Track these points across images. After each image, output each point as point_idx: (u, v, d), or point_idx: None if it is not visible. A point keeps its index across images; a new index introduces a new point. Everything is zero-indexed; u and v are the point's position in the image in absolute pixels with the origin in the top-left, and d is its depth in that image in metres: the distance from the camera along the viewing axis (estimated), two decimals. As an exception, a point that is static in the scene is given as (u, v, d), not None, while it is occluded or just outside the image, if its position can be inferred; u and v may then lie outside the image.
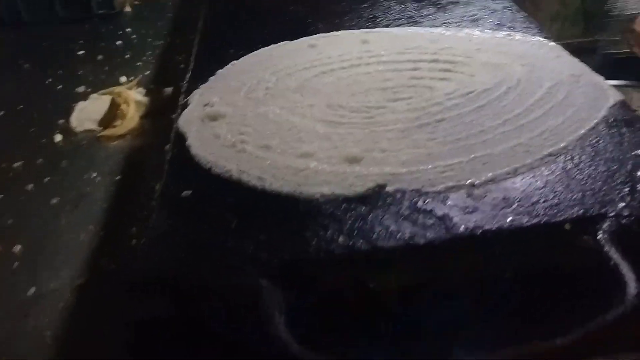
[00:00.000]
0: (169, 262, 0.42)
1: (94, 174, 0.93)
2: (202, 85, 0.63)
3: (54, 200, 0.86)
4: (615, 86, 0.57)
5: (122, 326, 0.41)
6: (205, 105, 0.59)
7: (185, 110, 0.59)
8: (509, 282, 0.41)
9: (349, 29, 0.74)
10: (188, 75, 0.66)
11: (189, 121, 0.57)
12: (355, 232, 0.43)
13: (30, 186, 0.88)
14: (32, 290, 0.69)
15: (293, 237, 0.43)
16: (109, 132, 1.05)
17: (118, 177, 0.93)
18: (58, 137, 1.02)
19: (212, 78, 0.65)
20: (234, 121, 0.57)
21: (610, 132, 0.50)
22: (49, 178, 0.91)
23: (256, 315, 0.37)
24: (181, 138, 0.55)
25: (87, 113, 1.12)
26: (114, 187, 0.91)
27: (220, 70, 0.66)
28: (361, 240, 0.42)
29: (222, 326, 0.39)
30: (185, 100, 0.61)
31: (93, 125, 1.08)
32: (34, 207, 0.84)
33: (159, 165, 0.93)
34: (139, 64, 1.30)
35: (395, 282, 0.43)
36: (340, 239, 0.42)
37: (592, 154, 0.48)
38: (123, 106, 1.09)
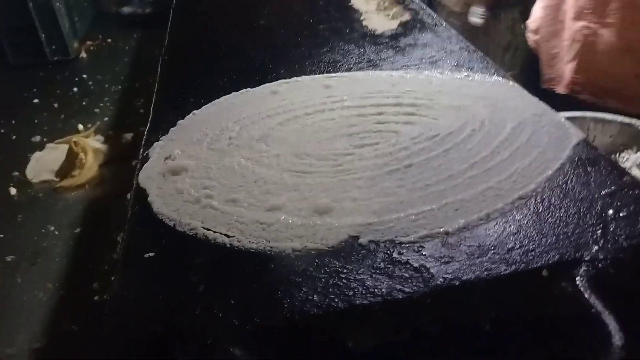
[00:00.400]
0: (136, 337, 0.39)
1: (52, 228, 0.89)
2: (162, 137, 0.61)
3: (9, 258, 0.81)
4: (571, 118, 0.57)
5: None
6: (167, 158, 0.57)
7: (145, 165, 0.57)
8: (489, 333, 0.40)
9: (310, 74, 0.73)
10: (147, 127, 0.64)
11: (149, 176, 0.55)
12: (330, 289, 0.41)
13: (-17, 243, 0.83)
14: (-15, 357, 0.65)
15: (265, 299, 0.41)
16: (67, 182, 1.01)
17: (77, 230, 0.89)
18: (13, 190, 0.98)
19: (172, 129, 0.63)
20: (197, 175, 0.55)
21: (576, 172, 0.51)
22: (2, 235, 0.86)
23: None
24: (142, 194, 0.52)
25: (43, 163, 1.08)
26: (74, 240, 0.87)
27: (181, 121, 0.64)
28: (337, 299, 0.40)
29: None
30: (145, 153, 0.59)
31: (50, 176, 1.04)
32: (-13, 266, 0.79)
33: (120, 216, 0.90)
34: (96, 110, 1.27)
35: (375, 338, 0.41)
36: (315, 297, 0.41)
37: (562, 195, 0.48)
38: (81, 155, 1.06)
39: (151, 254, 0.46)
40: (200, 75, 0.76)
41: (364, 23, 0.88)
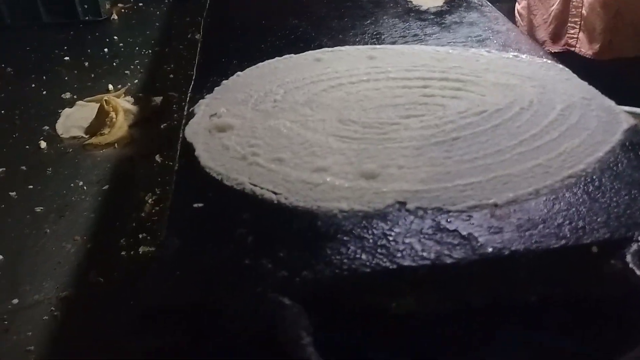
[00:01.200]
0: (184, 287, 0.39)
1: (80, 183, 0.90)
2: (207, 96, 0.61)
3: (38, 209, 0.82)
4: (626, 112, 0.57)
5: (135, 354, 0.38)
6: (212, 115, 0.58)
7: (191, 121, 0.57)
8: (535, 307, 0.40)
9: (353, 45, 0.73)
10: (191, 85, 0.64)
11: (196, 132, 0.55)
12: (379, 250, 0.41)
13: (12, 194, 0.84)
14: (14, 301, 0.66)
15: (313, 255, 0.41)
16: (96, 139, 1.01)
17: (105, 187, 0.90)
18: (43, 144, 0.99)
19: (217, 88, 0.63)
20: (242, 133, 0.55)
21: (627, 155, 0.50)
22: (32, 186, 0.87)
23: (282, 337, 0.35)
24: (189, 149, 0.53)
25: (73, 120, 1.09)
26: (102, 197, 0.87)
27: (225, 81, 0.64)
28: (385, 259, 0.41)
29: (246, 351, 0.37)
30: (191, 109, 0.59)
31: (80, 133, 1.04)
32: (17, 216, 0.80)
33: (148, 177, 0.90)
34: (126, 72, 1.27)
35: (419, 303, 0.41)
36: (363, 256, 0.41)
37: (612, 177, 0.48)
38: (112, 114, 1.06)
39: (199, 205, 0.46)
40: (242, 39, 0.76)
41: (409, -1, 0.88)
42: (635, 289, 0.37)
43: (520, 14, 1.19)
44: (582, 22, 1.02)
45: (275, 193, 0.47)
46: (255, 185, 0.48)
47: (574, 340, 0.41)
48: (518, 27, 1.19)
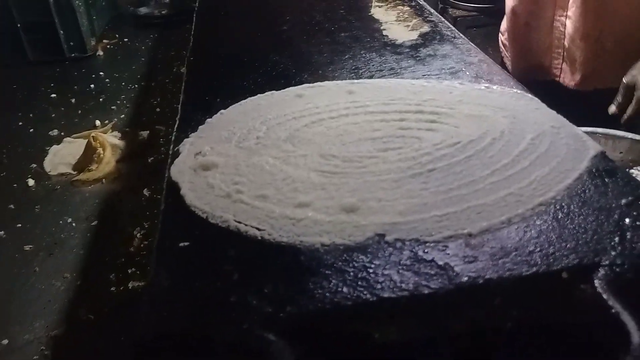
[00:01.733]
0: (173, 321, 0.41)
1: (69, 220, 0.91)
2: (191, 134, 0.63)
3: (27, 248, 0.83)
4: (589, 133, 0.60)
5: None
6: (197, 154, 0.59)
7: (176, 160, 0.59)
8: (510, 334, 0.42)
9: (333, 80, 0.76)
10: (177, 124, 0.66)
11: (181, 171, 0.57)
12: (359, 282, 0.43)
13: (1, 233, 0.85)
14: (4, 342, 0.66)
15: (297, 289, 0.43)
16: (84, 176, 1.03)
17: (94, 223, 0.91)
18: (31, 182, 1.00)
19: (201, 127, 0.65)
20: (227, 171, 0.57)
21: (594, 182, 0.53)
22: (21, 224, 0.88)
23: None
24: (175, 188, 0.54)
25: (61, 157, 1.10)
26: (90, 232, 0.88)
27: (209, 119, 0.66)
28: (365, 292, 0.42)
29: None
30: (175, 149, 0.61)
31: (67, 169, 1.06)
32: (6, 255, 0.81)
33: (135, 211, 0.91)
34: (113, 107, 1.29)
35: (400, 332, 0.43)
36: (344, 289, 0.43)
37: (580, 203, 0.50)
38: (99, 150, 1.07)
39: (186, 244, 0.48)
40: (225, 76, 0.78)
41: (384, 33, 0.91)
42: (604, 312, 0.39)
43: (504, 45, 1.21)
44: (565, 53, 1.05)
45: (259, 229, 0.49)
46: (239, 222, 0.50)
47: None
48: (502, 56, 1.23)
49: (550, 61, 1.09)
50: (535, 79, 1.10)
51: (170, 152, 0.61)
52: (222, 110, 0.68)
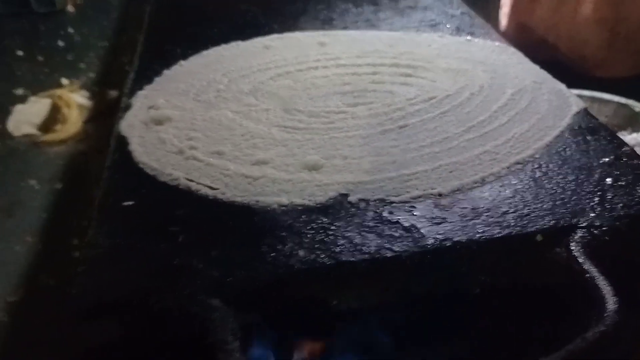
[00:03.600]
0: (111, 286, 0.37)
1: (32, 182, 0.86)
2: (146, 87, 0.58)
3: (-14, 208, 0.79)
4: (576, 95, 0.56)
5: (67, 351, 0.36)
6: (150, 107, 0.55)
7: (127, 113, 0.54)
8: (479, 298, 0.39)
9: (304, 31, 0.71)
10: (131, 76, 0.61)
11: (132, 125, 0.52)
12: (317, 245, 0.39)
13: (-41, 192, 0.81)
14: (-41, 307, 0.63)
15: (248, 252, 0.39)
16: (49, 136, 0.98)
17: (58, 185, 0.86)
18: (-7, 141, 0.95)
19: (157, 79, 0.60)
20: (181, 125, 0.52)
21: (575, 139, 0.49)
22: (-20, 184, 0.84)
23: (209, 341, 0.33)
24: (123, 143, 0.50)
25: (25, 116, 1.04)
26: (54, 195, 0.84)
27: (166, 71, 0.61)
28: (323, 255, 0.39)
29: (174, 353, 0.35)
30: (128, 102, 0.56)
31: (32, 130, 1.00)
32: (-37, 214, 0.77)
33: (101, 173, 0.87)
34: (82, 65, 1.22)
35: (360, 298, 0.40)
36: (300, 253, 0.39)
37: (560, 162, 0.46)
38: (65, 110, 1.02)
39: (130, 203, 0.43)
40: (188, 25, 0.73)
41: (363, -17, 0.85)
42: (578, 277, 0.36)
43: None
44: (576, 36, 0.96)
45: (211, 188, 0.45)
46: (191, 181, 0.45)
47: (520, 329, 0.40)
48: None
49: (555, 41, 0.99)
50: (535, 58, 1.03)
51: (122, 104, 0.56)
52: (181, 61, 0.63)
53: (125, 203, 0.43)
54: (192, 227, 0.41)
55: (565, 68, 0.97)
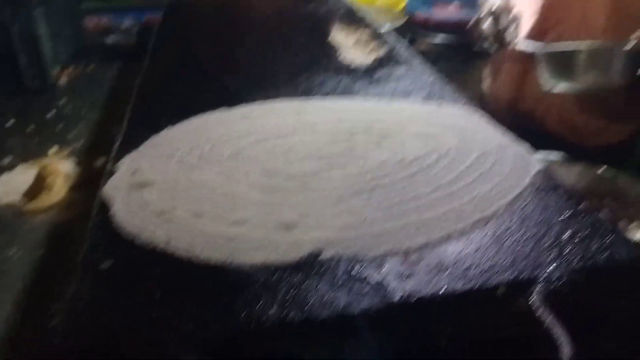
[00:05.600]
0: (89, 338, 0.38)
1: (14, 250, 0.86)
2: (132, 152, 0.61)
3: (-37, 277, 0.79)
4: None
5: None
6: (134, 172, 0.57)
7: (112, 177, 0.56)
8: (446, 350, 0.40)
9: (284, 100, 0.75)
10: (118, 142, 0.64)
11: (115, 188, 0.54)
12: (289, 302, 0.41)
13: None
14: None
15: (222, 309, 0.40)
16: (32, 204, 0.99)
17: (41, 252, 0.87)
18: (-22, 212, 0.96)
19: (144, 144, 0.63)
20: (164, 188, 0.55)
21: (535, 198, 0.52)
22: (-39, 255, 0.84)
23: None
24: (106, 206, 0.52)
25: (11, 185, 1.06)
26: (36, 263, 0.84)
27: (153, 137, 0.64)
28: (293, 311, 0.40)
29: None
30: (113, 167, 0.58)
31: (17, 198, 1.02)
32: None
33: (84, 239, 0.88)
34: (71, 135, 1.25)
35: (331, 354, 0.41)
36: (273, 309, 0.40)
37: (521, 219, 0.49)
38: (50, 178, 1.04)
39: (109, 263, 0.45)
40: (175, 97, 0.77)
41: (341, 56, 0.91)
42: (537, 327, 0.38)
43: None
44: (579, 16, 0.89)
45: (189, 249, 0.46)
46: (169, 242, 0.47)
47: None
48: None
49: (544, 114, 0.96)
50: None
51: (107, 169, 0.58)
52: (167, 128, 0.66)
53: (104, 264, 0.45)
54: (168, 286, 0.43)
55: (558, 139, 0.94)
